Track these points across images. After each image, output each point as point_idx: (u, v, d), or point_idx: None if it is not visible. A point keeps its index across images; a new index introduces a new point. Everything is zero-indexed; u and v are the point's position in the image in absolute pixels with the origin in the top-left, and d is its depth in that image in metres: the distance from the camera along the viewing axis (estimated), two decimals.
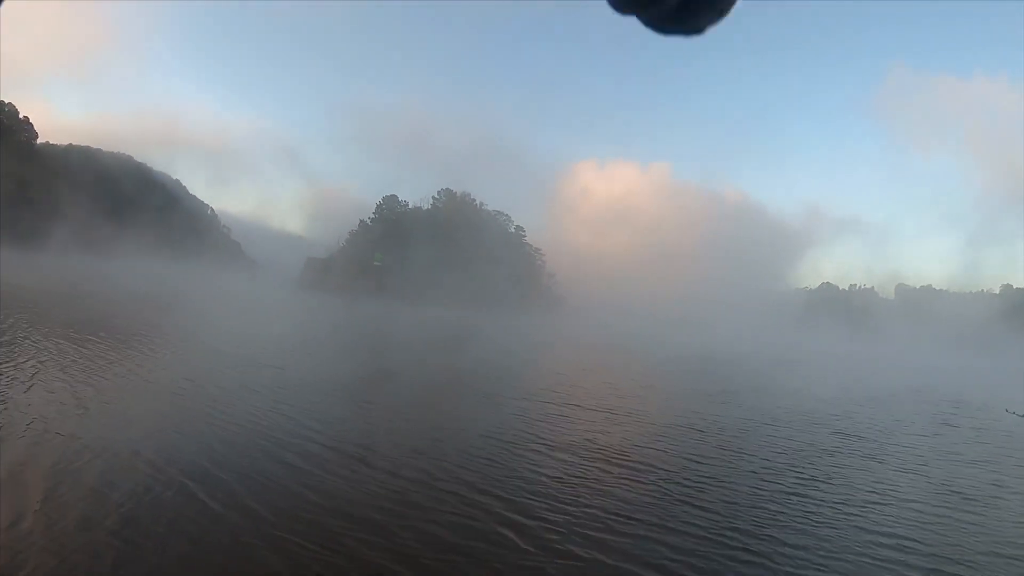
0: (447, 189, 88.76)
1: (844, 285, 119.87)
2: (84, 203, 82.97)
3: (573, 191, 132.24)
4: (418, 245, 78.73)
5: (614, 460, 13.39)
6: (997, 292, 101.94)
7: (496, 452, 13.44)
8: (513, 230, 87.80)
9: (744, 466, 13.73)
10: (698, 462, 13.75)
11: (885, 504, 11.68)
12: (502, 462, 12.59)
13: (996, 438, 19.27)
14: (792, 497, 11.72)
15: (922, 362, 44.16)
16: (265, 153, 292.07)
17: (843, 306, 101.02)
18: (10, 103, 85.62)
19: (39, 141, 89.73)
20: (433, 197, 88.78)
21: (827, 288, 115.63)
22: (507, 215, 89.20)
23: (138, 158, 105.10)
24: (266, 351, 23.49)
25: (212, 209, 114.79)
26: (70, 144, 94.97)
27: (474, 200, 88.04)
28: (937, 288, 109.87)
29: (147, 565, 6.95)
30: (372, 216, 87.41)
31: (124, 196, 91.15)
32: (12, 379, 14.39)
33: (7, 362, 15.88)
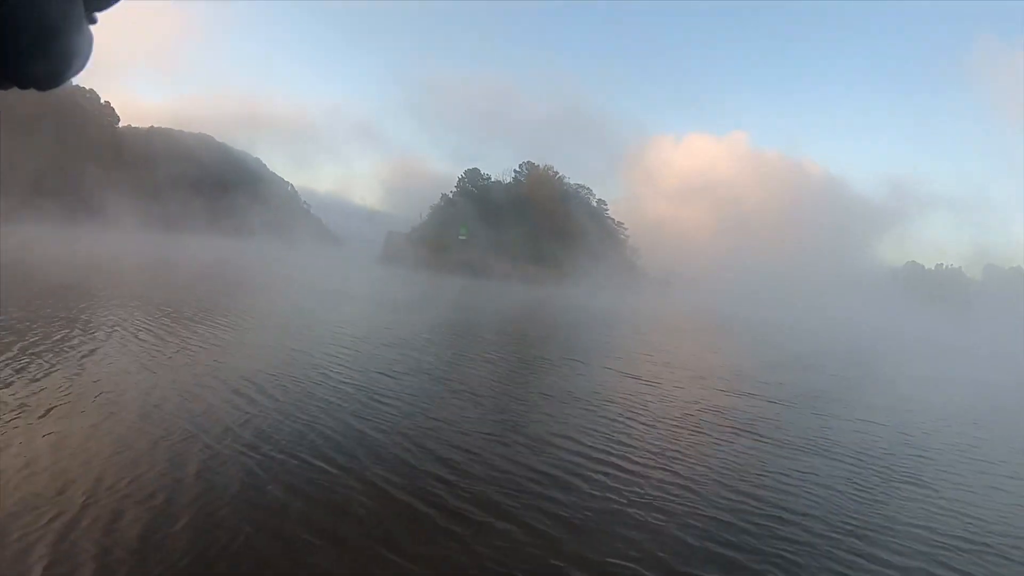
0: (529, 162, 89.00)
1: (930, 264, 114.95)
2: (166, 181, 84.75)
3: (650, 162, 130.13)
4: (503, 219, 79.46)
5: (793, 449, 15.00)
6: None
7: (670, 436, 14.86)
8: (595, 204, 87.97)
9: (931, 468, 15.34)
10: (884, 454, 15.34)
11: None
12: (675, 447, 13.93)
13: None
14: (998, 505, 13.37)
15: None
16: (342, 130, 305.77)
17: (930, 287, 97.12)
18: (91, 89, 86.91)
19: (121, 125, 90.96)
20: (515, 170, 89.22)
21: (912, 267, 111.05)
22: (588, 188, 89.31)
23: (219, 139, 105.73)
24: (382, 333, 24.56)
25: (292, 186, 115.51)
26: (152, 127, 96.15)
27: (556, 173, 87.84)
28: None
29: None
30: (454, 190, 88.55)
31: (206, 174, 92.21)
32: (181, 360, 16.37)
33: (155, 346, 17.29)
